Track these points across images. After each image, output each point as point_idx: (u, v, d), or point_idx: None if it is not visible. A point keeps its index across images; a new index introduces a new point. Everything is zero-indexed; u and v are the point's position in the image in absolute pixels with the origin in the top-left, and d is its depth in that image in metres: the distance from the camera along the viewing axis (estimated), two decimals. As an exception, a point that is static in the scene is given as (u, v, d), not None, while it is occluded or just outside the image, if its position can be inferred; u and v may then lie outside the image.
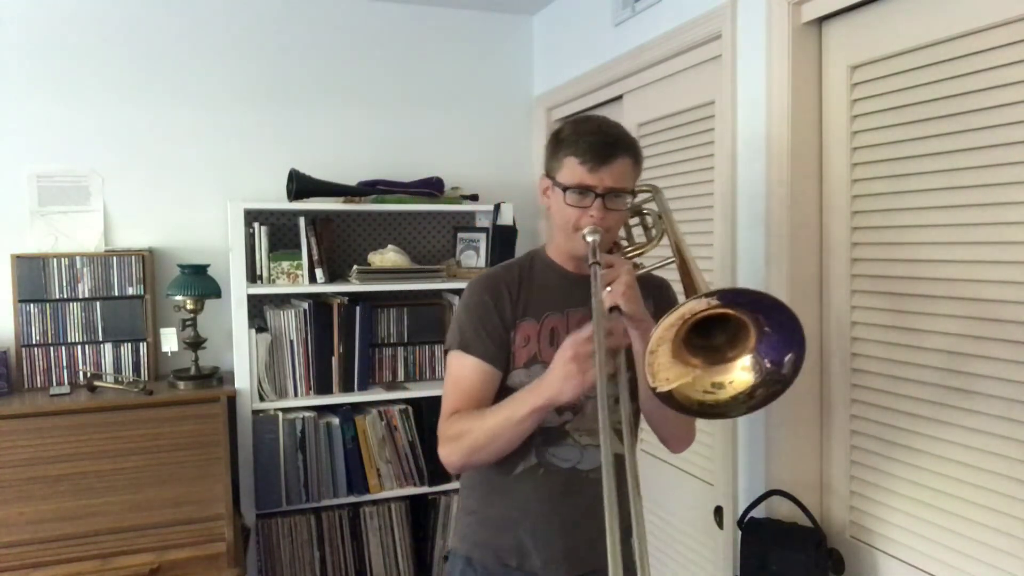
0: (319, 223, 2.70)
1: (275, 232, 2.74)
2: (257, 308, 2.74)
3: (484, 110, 3.11)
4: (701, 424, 2.09)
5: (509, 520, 1.43)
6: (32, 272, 2.57)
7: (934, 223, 1.44)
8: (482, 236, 2.97)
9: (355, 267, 2.73)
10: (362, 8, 2.98)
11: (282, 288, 2.65)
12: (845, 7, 1.58)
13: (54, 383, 2.59)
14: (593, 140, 1.33)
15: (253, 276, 2.66)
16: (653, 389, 1.10)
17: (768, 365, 1.10)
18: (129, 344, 2.67)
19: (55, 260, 2.59)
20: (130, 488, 2.26)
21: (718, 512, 2.01)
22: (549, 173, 1.40)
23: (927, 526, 1.47)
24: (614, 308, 1.23)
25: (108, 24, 2.68)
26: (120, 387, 2.51)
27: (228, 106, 2.83)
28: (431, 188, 2.90)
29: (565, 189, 1.34)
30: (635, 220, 1.59)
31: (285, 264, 2.67)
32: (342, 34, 2.96)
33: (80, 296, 2.61)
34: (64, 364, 2.61)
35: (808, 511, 1.64)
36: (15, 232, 2.61)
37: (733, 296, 1.09)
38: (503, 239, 2.86)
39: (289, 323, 2.67)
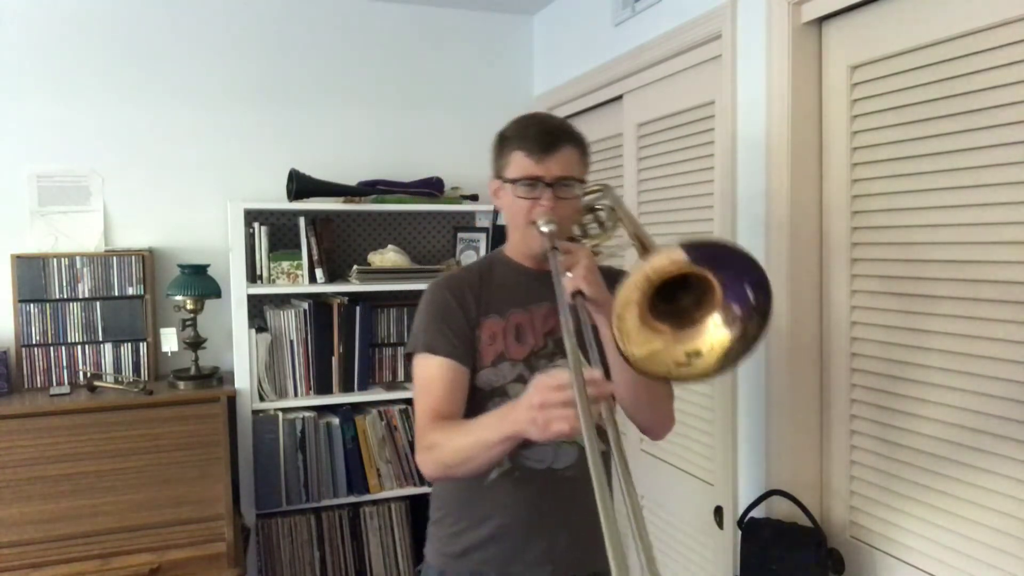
0: (319, 223, 2.71)
1: (275, 232, 2.74)
2: (257, 308, 2.74)
3: (484, 110, 3.11)
4: (701, 424, 2.11)
5: (486, 528, 1.40)
6: (32, 272, 2.57)
7: (934, 223, 1.44)
8: (482, 236, 2.98)
9: (355, 267, 2.73)
10: (362, 8, 2.98)
11: (282, 288, 2.66)
12: (845, 7, 1.58)
13: (54, 383, 2.59)
14: (537, 131, 1.34)
15: (253, 276, 2.66)
16: (625, 356, 1.07)
17: (739, 311, 1.07)
18: (129, 344, 2.67)
19: (55, 260, 2.59)
20: (130, 488, 2.26)
21: (718, 512, 2.01)
22: (497, 174, 1.41)
23: (927, 526, 1.47)
24: (577, 293, 1.21)
25: (108, 24, 2.68)
26: (120, 387, 2.51)
27: (228, 106, 2.83)
28: (431, 188, 2.91)
29: (514, 182, 1.35)
30: (589, 217, 1.60)
31: (285, 264, 2.67)
32: (342, 34, 2.96)
33: (80, 296, 2.61)
34: (64, 364, 2.61)
35: (808, 511, 1.63)
36: (15, 232, 2.61)
37: (696, 249, 1.05)
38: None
39: (289, 323, 2.67)
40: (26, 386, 2.57)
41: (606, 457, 1.44)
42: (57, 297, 2.59)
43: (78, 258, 2.61)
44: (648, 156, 2.34)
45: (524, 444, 1.36)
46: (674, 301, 1.10)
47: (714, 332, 1.08)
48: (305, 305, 2.68)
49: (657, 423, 1.42)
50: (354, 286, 2.71)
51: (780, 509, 1.71)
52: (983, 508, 1.36)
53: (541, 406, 1.05)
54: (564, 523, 1.40)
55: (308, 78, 2.92)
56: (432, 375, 1.36)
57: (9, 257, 2.56)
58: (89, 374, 2.56)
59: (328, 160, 2.90)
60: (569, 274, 1.22)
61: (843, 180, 1.63)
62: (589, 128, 2.81)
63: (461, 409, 1.36)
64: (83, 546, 2.14)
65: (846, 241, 1.63)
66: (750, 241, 1.85)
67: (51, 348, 2.59)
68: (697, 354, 1.08)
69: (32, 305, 2.57)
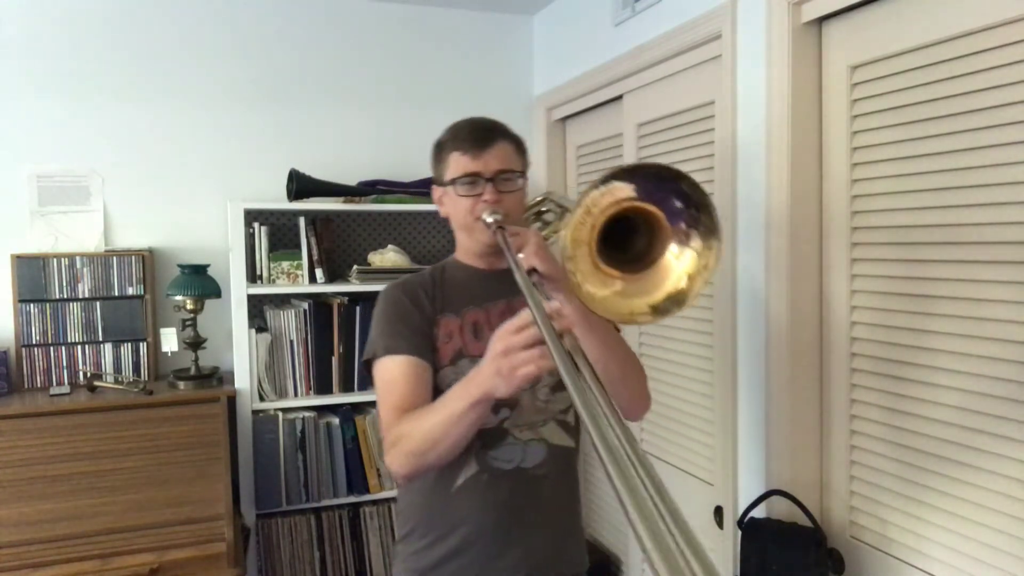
0: (319, 223, 2.71)
1: (275, 232, 2.74)
2: (257, 308, 2.74)
3: (484, 110, 3.05)
4: (700, 424, 2.11)
5: (456, 538, 1.35)
6: (32, 272, 2.57)
7: (934, 223, 1.44)
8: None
9: (355, 267, 2.73)
10: (362, 8, 2.98)
11: (282, 288, 2.65)
12: (845, 7, 1.58)
13: (54, 383, 2.59)
14: (470, 130, 1.36)
15: (253, 276, 2.66)
16: (580, 295, 1.03)
17: (684, 226, 1.03)
18: (129, 344, 2.67)
19: (55, 260, 2.59)
20: (130, 488, 2.26)
21: (718, 512, 2.01)
22: (438, 181, 1.41)
23: (927, 526, 1.47)
24: (531, 271, 1.18)
25: (108, 24, 2.68)
26: (120, 387, 2.51)
27: (228, 106, 2.83)
28: (431, 188, 2.90)
29: (454, 182, 1.34)
30: (537, 225, 1.61)
31: (285, 264, 2.67)
32: (342, 34, 2.96)
33: (80, 296, 2.61)
34: (64, 364, 2.61)
35: (808, 511, 1.64)
36: (15, 232, 2.61)
37: (621, 174, 1.02)
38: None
39: (289, 323, 2.67)
40: (26, 386, 2.57)
41: (571, 453, 1.43)
42: (57, 297, 2.59)
43: (78, 258, 2.61)
44: (648, 156, 2.34)
45: (490, 444, 1.34)
46: (626, 249, 1.08)
47: (678, 263, 1.04)
48: (305, 305, 2.68)
49: (632, 401, 1.37)
50: (354, 286, 2.71)
51: (780, 509, 1.71)
52: (983, 508, 1.36)
53: (505, 352, 1.04)
54: (538, 525, 1.37)
55: (308, 78, 2.92)
56: (394, 374, 1.32)
57: (9, 257, 2.56)
58: (89, 374, 2.56)
59: (328, 160, 2.90)
60: (520, 254, 1.21)
61: (843, 180, 1.63)
62: (589, 128, 2.83)
63: (426, 404, 1.30)
64: (83, 546, 2.14)
65: (846, 241, 1.63)
66: (750, 241, 1.85)
67: (51, 348, 2.59)
68: (678, 295, 1.04)
69: (32, 305, 2.57)
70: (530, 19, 3.20)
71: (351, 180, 2.87)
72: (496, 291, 1.39)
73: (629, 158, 2.45)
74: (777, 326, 1.74)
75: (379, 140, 3.01)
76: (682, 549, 0.62)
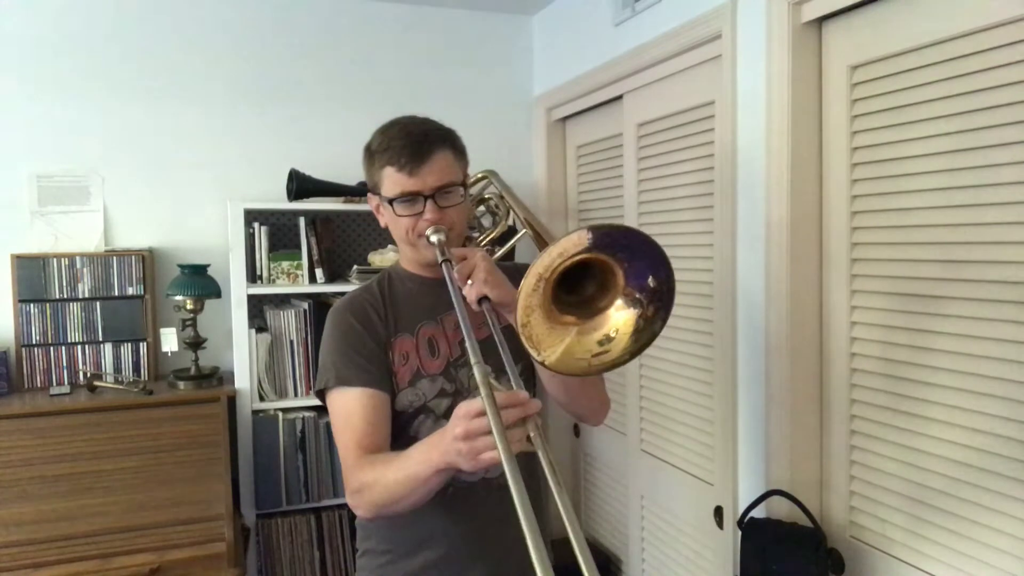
0: (319, 223, 2.70)
1: (275, 232, 2.74)
2: (257, 308, 2.74)
3: (484, 110, 3.11)
4: (700, 424, 2.11)
5: (424, 552, 1.32)
6: (32, 272, 2.57)
7: (934, 223, 1.44)
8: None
9: (355, 267, 2.73)
10: (362, 8, 2.98)
11: (282, 288, 2.65)
12: (845, 7, 1.58)
13: (54, 383, 2.59)
14: (403, 143, 1.27)
15: (253, 276, 2.66)
16: (541, 363, 1.03)
17: (639, 294, 1.03)
18: (129, 344, 2.67)
19: (55, 260, 2.59)
20: (130, 488, 2.26)
21: (718, 512, 2.01)
22: (374, 190, 1.34)
23: (927, 526, 1.47)
24: (483, 299, 1.15)
25: (108, 24, 2.68)
26: (120, 387, 2.51)
27: (228, 106, 2.83)
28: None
29: (392, 201, 1.28)
30: (481, 209, 1.57)
31: (285, 264, 2.67)
32: (342, 34, 2.96)
33: (80, 296, 2.61)
34: (64, 364, 2.61)
35: (808, 511, 1.64)
36: (15, 232, 2.61)
37: (591, 237, 1.00)
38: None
39: (289, 323, 2.67)
40: (26, 386, 2.57)
41: (532, 457, 1.41)
42: (57, 297, 2.59)
43: (78, 258, 2.61)
44: (648, 156, 2.34)
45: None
46: (578, 291, 1.07)
47: (617, 315, 1.05)
48: (305, 305, 2.68)
49: (592, 410, 1.36)
50: (354, 286, 2.70)
51: (780, 509, 1.71)
52: (983, 508, 1.36)
53: (465, 436, 1.00)
54: (505, 537, 1.30)
55: (308, 78, 2.92)
56: (350, 409, 1.27)
57: (9, 257, 2.56)
58: (89, 374, 2.56)
59: (328, 160, 2.90)
60: (470, 282, 1.17)
61: (843, 180, 1.63)
62: (589, 128, 2.83)
63: (386, 438, 1.28)
64: (83, 546, 2.14)
65: (846, 241, 1.63)
66: (750, 241, 1.85)
67: (51, 348, 2.59)
68: (608, 339, 1.05)
69: (32, 305, 2.57)
70: (530, 19, 3.20)
71: (351, 180, 2.86)
72: (447, 302, 1.28)
73: (629, 158, 2.45)
74: (777, 326, 1.74)
75: (379, 140, 3.00)
76: None
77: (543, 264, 0.98)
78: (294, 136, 2.90)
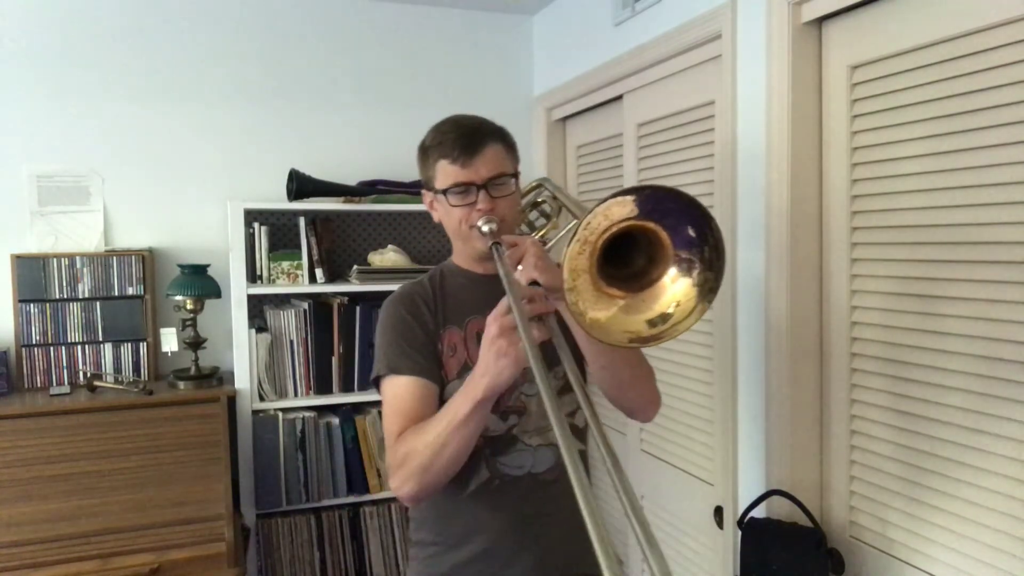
0: (319, 223, 2.71)
1: (275, 232, 2.74)
2: (257, 308, 2.74)
3: (484, 110, 3.04)
4: (700, 424, 2.11)
5: (471, 545, 1.35)
6: (32, 272, 2.57)
7: (934, 223, 1.44)
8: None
9: (355, 267, 2.73)
10: (362, 8, 2.98)
11: (282, 288, 2.66)
12: (845, 7, 1.58)
13: (54, 383, 2.59)
14: (456, 136, 1.31)
15: (253, 276, 2.66)
16: (582, 325, 1.02)
17: (690, 255, 1.02)
18: (129, 344, 2.67)
19: (55, 260, 2.59)
20: (130, 488, 2.26)
21: (718, 512, 2.01)
22: (427, 185, 1.38)
23: (927, 526, 1.47)
24: (532, 283, 1.17)
25: (108, 24, 2.68)
26: (120, 387, 2.51)
27: (228, 106, 2.83)
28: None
29: (445, 192, 1.31)
30: (534, 214, 1.59)
31: (285, 264, 2.67)
32: (342, 34, 2.96)
33: (80, 296, 2.61)
34: (64, 364, 2.61)
35: (808, 511, 1.64)
36: (15, 232, 2.61)
37: (625, 197, 0.98)
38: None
39: (289, 323, 2.67)
40: (26, 386, 2.57)
41: (584, 455, 1.43)
42: (57, 297, 2.59)
43: (78, 258, 2.61)
44: (648, 156, 2.34)
45: (500, 450, 1.33)
46: (627, 265, 1.06)
47: (673, 287, 1.04)
48: (305, 305, 2.68)
49: (643, 403, 1.37)
50: (354, 286, 2.71)
51: (780, 509, 1.71)
52: (984, 508, 1.36)
53: (501, 331, 1.06)
54: (550, 530, 1.36)
55: (308, 78, 2.92)
56: (399, 395, 1.31)
57: (9, 257, 2.56)
58: (89, 374, 2.56)
59: (328, 160, 2.90)
60: (520, 267, 1.18)
61: (843, 180, 1.63)
62: (589, 128, 2.83)
63: None
64: (83, 546, 2.14)
65: (846, 241, 1.63)
66: (750, 241, 1.85)
67: (51, 348, 2.59)
68: (663, 317, 1.04)
69: (32, 305, 2.57)
70: (530, 19, 3.20)
71: (351, 180, 2.87)
72: (496, 297, 1.33)
73: (629, 158, 2.45)
74: (777, 326, 1.74)
75: (379, 140, 3.01)
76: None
77: (585, 224, 0.97)
78: (294, 136, 2.90)
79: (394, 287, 2.69)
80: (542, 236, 1.50)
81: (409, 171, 2.97)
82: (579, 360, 1.29)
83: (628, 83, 2.43)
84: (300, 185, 2.66)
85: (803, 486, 1.71)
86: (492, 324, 1.09)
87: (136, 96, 2.72)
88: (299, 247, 2.68)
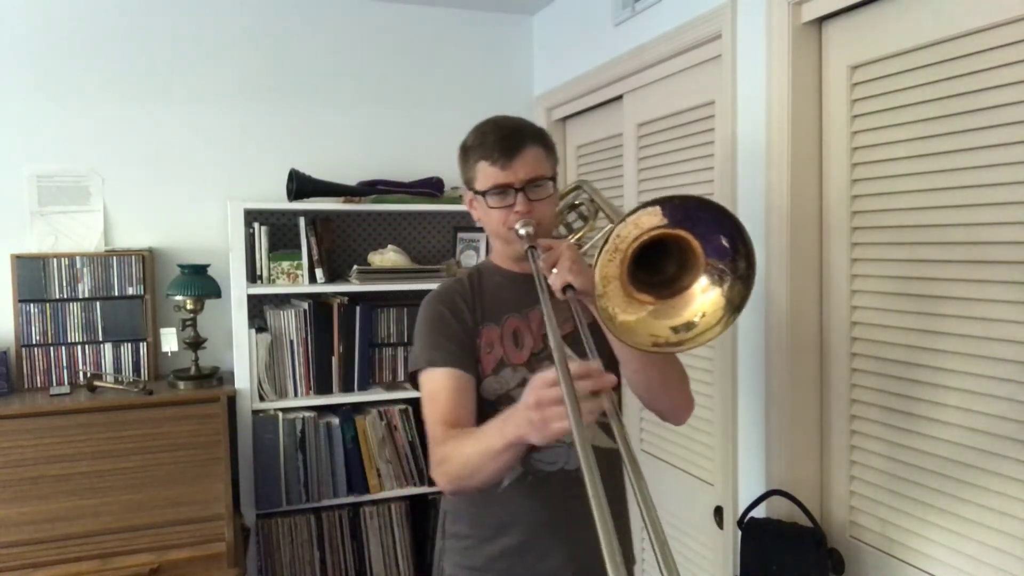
0: (319, 223, 2.71)
1: (275, 232, 2.74)
2: (257, 308, 2.74)
3: (484, 110, 3.04)
4: (700, 424, 2.11)
5: (505, 538, 1.38)
6: (32, 272, 2.57)
7: (934, 223, 1.44)
8: (482, 236, 2.97)
9: (355, 267, 2.73)
10: (362, 8, 2.98)
11: (282, 288, 2.66)
12: (845, 7, 1.58)
13: (54, 383, 2.59)
14: (496, 138, 1.33)
15: (253, 276, 2.66)
16: (611, 329, 1.04)
17: (722, 266, 1.03)
18: (129, 344, 2.67)
19: (55, 260, 2.59)
20: (130, 488, 2.26)
21: (718, 512, 2.01)
22: (468, 185, 1.40)
23: (927, 526, 1.47)
24: (567, 287, 1.18)
25: (108, 24, 2.68)
26: (120, 387, 2.51)
27: (228, 106, 2.83)
28: (431, 188, 2.91)
29: (484, 194, 1.34)
30: (572, 216, 1.60)
31: (285, 264, 2.67)
32: (342, 34, 2.96)
33: (80, 296, 2.61)
34: (64, 364, 2.61)
35: (808, 511, 1.63)
36: (15, 232, 2.61)
37: (667, 208, 1.00)
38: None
39: (289, 323, 2.67)
40: (26, 386, 2.57)
41: (614, 455, 1.44)
42: (57, 297, 2.59)
43: (78, 258, 2.61)
44: (648, 156, 2.34)
45: (534, 448, 1.37)
46: (658, 272, 1.08)
47: (702, 297, 1.05)
48: (305, 305, 2.68)
49: (675, 407, 1.38)
50: (354, 286, 2.71)
51: (780, 509, 1.71)
52: (983, 508, 1.36)
53: (537, 405, 1.01)
54: (582, 525, 1.37)
55: (308, 78, 2.92)
56: (437, 387, 1.34)
57: (9, 257, 2.56)
58: (89, 374, 2.56)
59: (328, 160, 2.90)
60: (555, 270, 1.21)
61: (843, 180, 1.63)
62: (589, 128, 2.83)
63: (471, 415, 1.33)
64: (83, 546, 2.14)
65: (846, 242, 1.63)
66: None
67: (51, 348, 2.59)
68: (688, 326, 1.05)
69: (32, 305, 2.57)
70: (530, 19, 3.20)
71: (351, 180, 2.87)
72: (533, 297, 1.37)
73: (629, 158, 2.45)
74: (777, 326, 1.74)
75: (379, 140, 3.01)
76: None
77: (619, 233, 0.99)
78: (294, 136, 2.90)
79: (394, 287, 2.74)
80: (579, 239, 1.52)
81: (409, 171, 2.98)
82: (613, 364, 1.30)
83: (628, 83, 2.42)
84: (300, 185, 2.66)
85: (803, 486, 1.71)
86: (531, 394, 1.03)
87: (136, 96, 2.72)
88: (299, 247, 2.68)
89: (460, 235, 3.02)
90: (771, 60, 1.73)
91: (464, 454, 1.20)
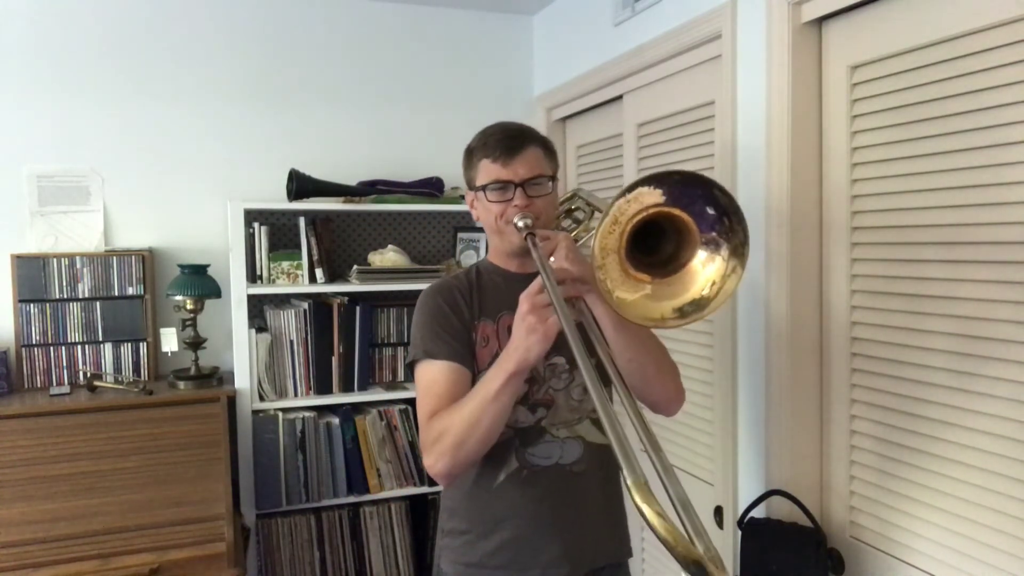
0: (319, 223, 2.71)
1: (275, 232, 2.74)
2: (257, 308, 2.74)
3: (484, 110, 3.09)
4: (700, 424, 2.11)
5: (500, 534, 1.40)
6: (32, 272, 2.57)
7: (934, 223, 1.44)
8: (482, 236, 2.97)
9: (355, 267, 2.73)
10: (362, 8, 2.98)
11: (282, 288, 2.66)
12: (845, 7, 1.58)
13: (54, 383, 2.59)
14: (499, 137, 1.39)
15: (253, 276, 2.66)
16: (615, 308, 1.09)
17: (715, 235, 1.08)
18: (129, 344, 2.67)
19: (55, 260, 2.59)
20: (130, 488, 2.26)
21: (718, 512, 2.01)
22: (470, 185, 1.45)
23: (927, 526, 1.47)
24: (563, 277, 1.23)
25: (108, 24, 2.68)
26: (120, 387, 2.51)
27: (228, 106, 2.83)
28: (431, 188, 2.91)
29: (484, 188, 1.38)
30: (568, 222, 1.62)
31: (285, 264, 2.67)
32: (342, 34, 2.96)
33: (80, 296, 2.61)
34: (64, 364, 2.61)
35: (808, 511, 1.64)
36: (15, 232, 2.61)
37: (650, 183, 1.05)
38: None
39: (289, 323, 2.67)
40: (26, 386, 2.57)
41: (607, 451, 1.44)
42: (57, 297, 2.59)
43: (78, 258, 2.61)
44: (648, 156, 2.34)
45: (528, 442, 1.39)
46: (655, 252, 1.12)
47: (705, 271, 1.09)
48: (305, 305, 2.68)
49: (666, 398, 1.41)
50: (354, 286, 2.71)
51: (780, 509, 1.71)
52: (983, 508, 1.36)
53: (532, 309, 1.13)
54: (578, 520, 1.41)
55: (308, 78, 2.92)
56: (433, 378, 1.37)
57: (9, 257, 2.56)
58: (89, 374, 2.56)
59: (328, 160, 2.90)
60: (552, 258, 1.24)
61: (843, 180, 1.63)
62: (589, 128, 2.83)
63: None
64: (83, 546, 2.14)
65: (846, 241, 1.63)
66: (750, 241, 1.85)
67: (51, 348, 2.59)
68: (696, 303, 1.09)
69: (32, 305, 2.57)
70: (530, 19, 3.20)
71: (351, 180, 2.87)
72: None
73: (629, 158, 2.45)
74: (777, 326, 1.74)
75: (379, 140, 3.01)
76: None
77: (617, 206, 1.04)
78: (294, 136, 2.90)
79: (394, 287, 2.74)
80: (574, 236, 1.53)
81: (409, 171, 2.98)
82: (603, 371, 1.31)
83: (628, 83, 2.42)
84: (300, 185, 2.66)
85: (803, 486, 1.71)
86: (524, 301, 1.16)
87: (136, 96, 2.72)
88: (299, 247, 2.68)
89: (460, 235, 3.02)
90: (771, 60, 1.73)
91: (460, 415, 1.25)
